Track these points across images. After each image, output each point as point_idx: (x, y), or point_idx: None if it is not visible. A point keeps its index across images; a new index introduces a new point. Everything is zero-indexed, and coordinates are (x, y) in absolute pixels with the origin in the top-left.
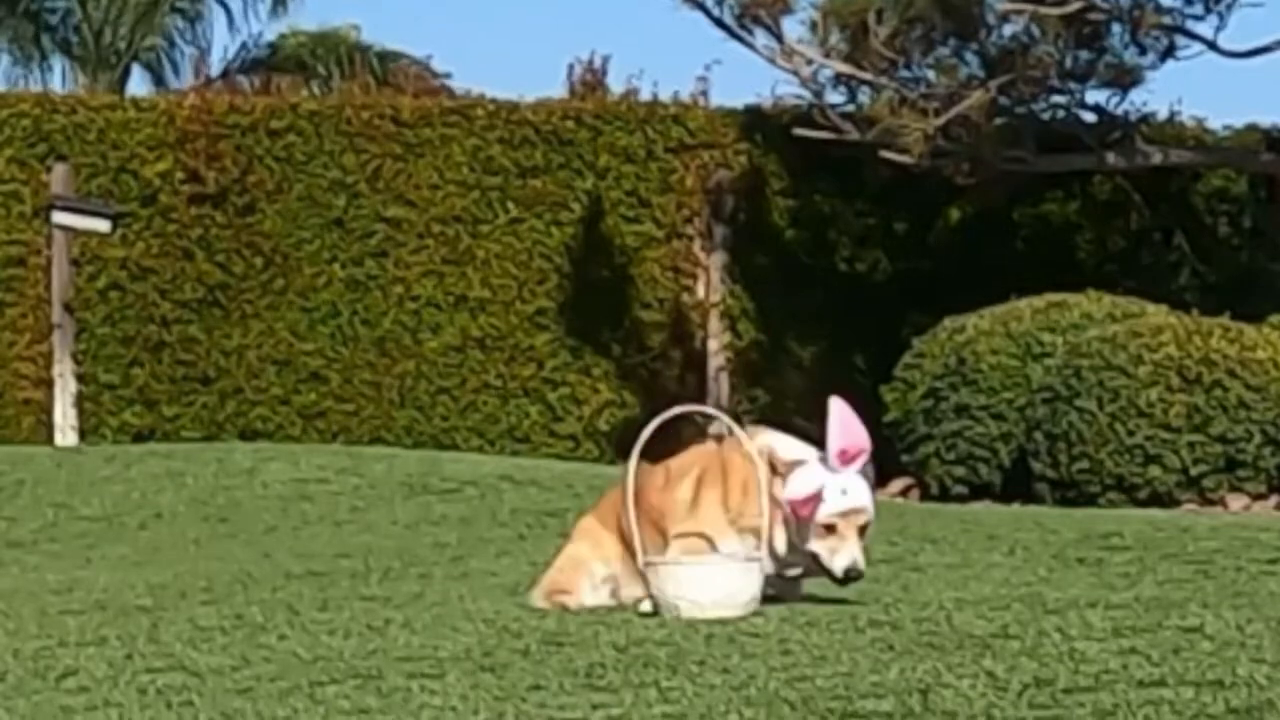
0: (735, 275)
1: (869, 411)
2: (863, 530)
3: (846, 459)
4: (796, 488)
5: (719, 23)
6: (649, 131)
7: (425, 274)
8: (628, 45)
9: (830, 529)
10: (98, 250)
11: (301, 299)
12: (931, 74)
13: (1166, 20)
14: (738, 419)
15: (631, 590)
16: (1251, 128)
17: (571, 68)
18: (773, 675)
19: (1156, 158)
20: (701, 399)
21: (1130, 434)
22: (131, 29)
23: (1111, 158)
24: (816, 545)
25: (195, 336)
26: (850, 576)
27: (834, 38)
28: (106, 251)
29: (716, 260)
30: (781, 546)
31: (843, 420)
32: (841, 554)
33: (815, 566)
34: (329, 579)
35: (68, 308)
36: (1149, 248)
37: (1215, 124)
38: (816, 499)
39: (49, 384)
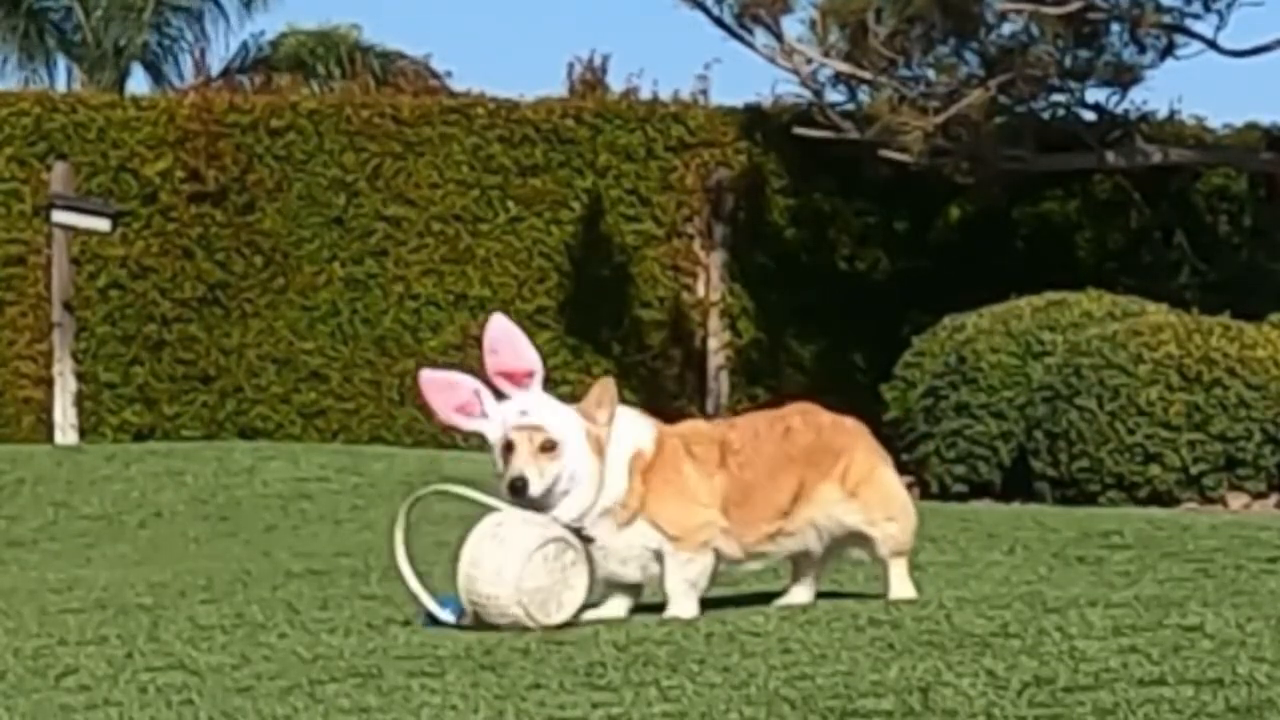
0: (735, 274)
1: (868, 410)
2: (547, 449)
3: (514, 381)
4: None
5: (719, 22)
6: (649, 130)
7: (425, 273)
8: (628, 44)
9: (509, 448)
10: (98, 249)
11: (301, 298)
12: (931, 73)
13: (1166, 19)
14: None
15: None
16: (1251, 126)
17: (572, 66)
18: (773, 674)
19: (1156, 156)
20: (702, 398)
21: (1130, 432)
22: (120, 25)
23: (1111, 156)
24: (502, 470)
25: (195, 335)
26: (514, 487)
27: (833, 36)
28: (106, 250)
29: (716, 259)
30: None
31: (499, 340)
32: (511, 465)
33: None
34: (329, 578)
35: (68, 306)
36: (1149, 246)
37: (1215, 123)
38: (451, 388)
39: (49, 383)
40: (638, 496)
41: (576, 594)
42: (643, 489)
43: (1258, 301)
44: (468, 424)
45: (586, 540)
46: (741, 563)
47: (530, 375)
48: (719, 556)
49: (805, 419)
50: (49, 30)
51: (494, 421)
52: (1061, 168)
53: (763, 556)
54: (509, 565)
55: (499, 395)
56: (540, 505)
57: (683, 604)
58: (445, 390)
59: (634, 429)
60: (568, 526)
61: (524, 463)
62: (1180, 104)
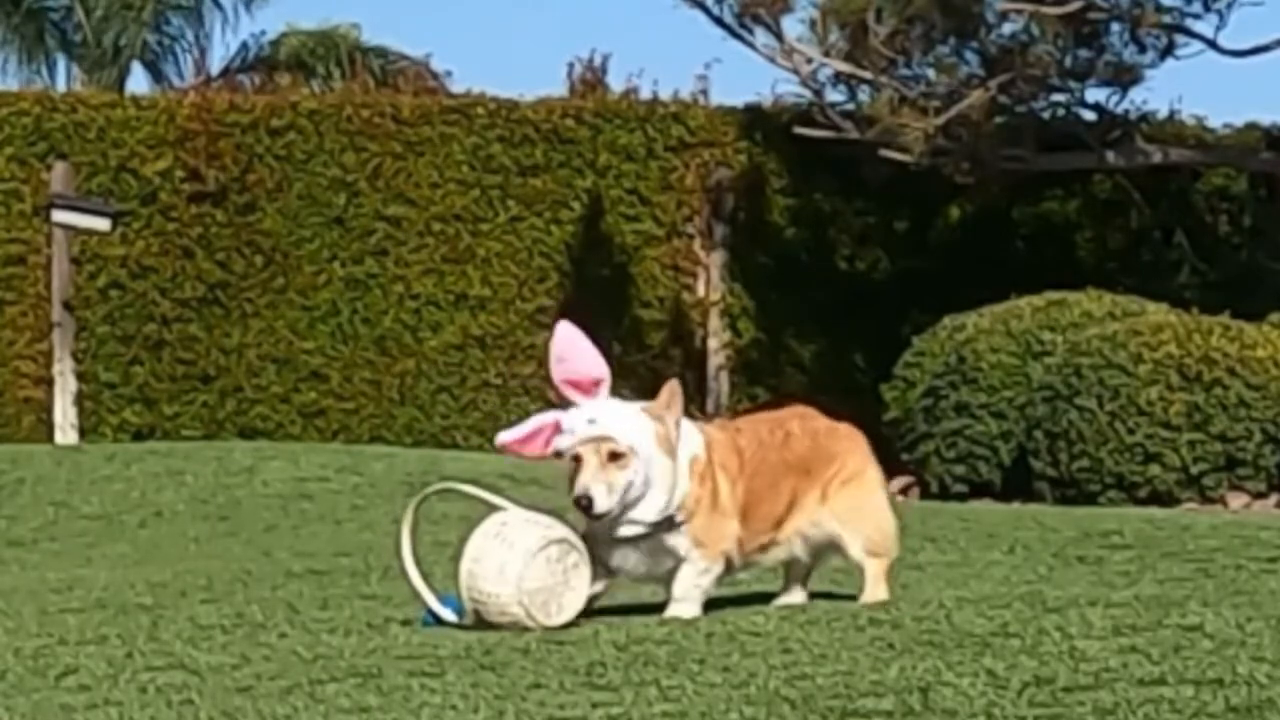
0: (735, 274)
1: (868, 410)
2: (615, 458)
3: (581, 389)
4: (514, 429)
5: (719, 21)
6: (649, 130)
7: (425, 272)
8: (628, 44)
9: (578, 460)
10: (98, 249)
11: (302, 297)
12: (931, 73)
13: (1166, 19)
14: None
15: None
16: (1251, 126)
17: (572, 66)
18: (773, 673)
19: (1156, 156)
20: (702, 398)
21: (1130, 432)
22: (120, 24)
23: (1111, 156)
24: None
25: (195, 335)
26: (580, 504)
27: (834, 36)
28: (106, 250)
29: (716, 259)
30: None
31: (565, 349)
32: (578, 482)
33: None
34: (329, 577)
35: (68, 306)
36: (1149, 246)
37: (1215, 122)
38: (533, 438)
39: (49, 382)
40: (696, 496)
41: (578, 596)
42: (700, 491)
43: (1258, 301)
44: (554, 448)
45: (676, 525)
46: (735, 572)
47: (598, 383)
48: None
49: (803, 424)
50: (49, 30)
51: (566, 434)
52: (1061, 168)
53: (752, 565)
54: (511, 564)
55: (567, 404)
56: (612, 520)
57: (688, 607)
58: (530, 441)
59: (690, 433)
60: (657, 522)
61: (590, 478)
62: (1180, 104)
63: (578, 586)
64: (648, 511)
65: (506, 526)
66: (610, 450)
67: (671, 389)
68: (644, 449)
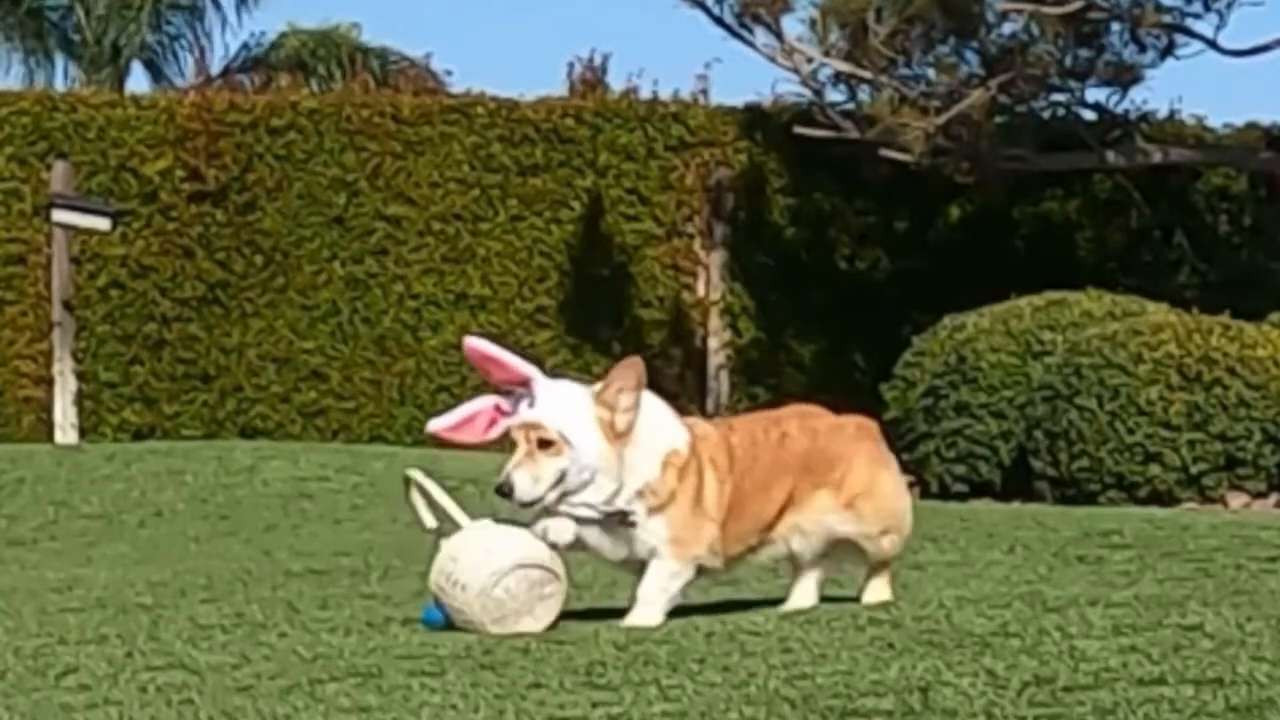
0: (735, 273)
1: (868, 410)
2: (545, 445)
3: (520, 387)
4: (445, 417)
5: (719, 21)
6: (649, 130)
7: (425, 272)
8: (628, 44)
9: (514, 444)
10: (98, 248)
11: (302, 297)
12: (931, 72)
13: (1166, 19)
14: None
15: None
16: (1251, 126)
17: (572, 66)
18: (773, 673)
19: (1156, 156)
20: (702, 397)
21: (1130, 432)
22: (119, 24)
23: (1111, 156)
24: None
25: (195, 334)
26: (501, 491)
27: (834, 36)
28: (106, 249)
29: (716, 258)
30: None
31: (480, 364)
32: (504, 468)
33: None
34: (329, 577)
35: (68, 306)
36: (1149, 246)
37: (1215, 122)
38: (467, 424)
39: (49, 382)
40: (670, 489)
41: (538, 625)
42: (676, 485)
43: (1258, 301)
44: (499, 432)
45: (629, 524)
46: (720, 573)
47: (528, 381)
48: (702, 569)
49: (802, 423)
50: (49, 29)
51: (511, 417)
52: (1061, 167)
53: (741, 564)
54: (492, 560)
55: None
56: (548, 508)
57: (651, 613)
58: (464, 426)
59: (669, 426)
60: (610, 511)
61: (515, 464)
62: (1180, 104)
63: (541, 617)
64: (596, 497)
65: (501, 529)
66: (539, 437)
67: (624, 369)
68: (579, 437)
